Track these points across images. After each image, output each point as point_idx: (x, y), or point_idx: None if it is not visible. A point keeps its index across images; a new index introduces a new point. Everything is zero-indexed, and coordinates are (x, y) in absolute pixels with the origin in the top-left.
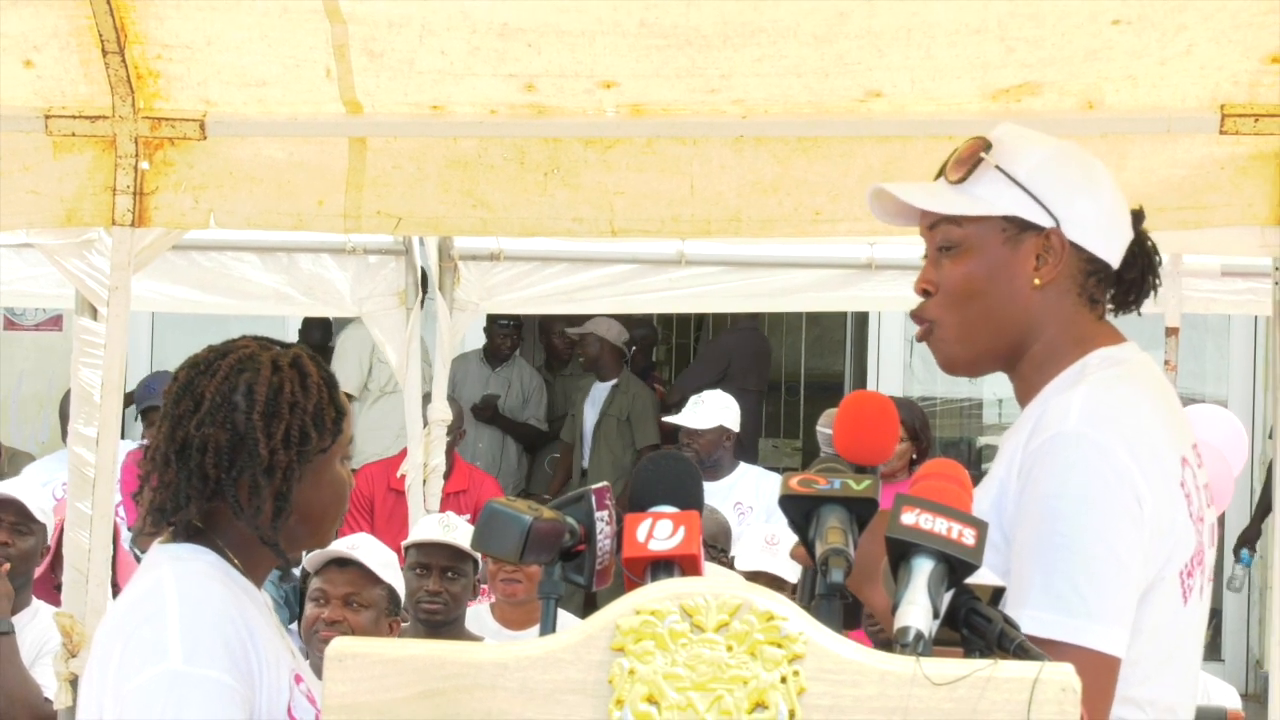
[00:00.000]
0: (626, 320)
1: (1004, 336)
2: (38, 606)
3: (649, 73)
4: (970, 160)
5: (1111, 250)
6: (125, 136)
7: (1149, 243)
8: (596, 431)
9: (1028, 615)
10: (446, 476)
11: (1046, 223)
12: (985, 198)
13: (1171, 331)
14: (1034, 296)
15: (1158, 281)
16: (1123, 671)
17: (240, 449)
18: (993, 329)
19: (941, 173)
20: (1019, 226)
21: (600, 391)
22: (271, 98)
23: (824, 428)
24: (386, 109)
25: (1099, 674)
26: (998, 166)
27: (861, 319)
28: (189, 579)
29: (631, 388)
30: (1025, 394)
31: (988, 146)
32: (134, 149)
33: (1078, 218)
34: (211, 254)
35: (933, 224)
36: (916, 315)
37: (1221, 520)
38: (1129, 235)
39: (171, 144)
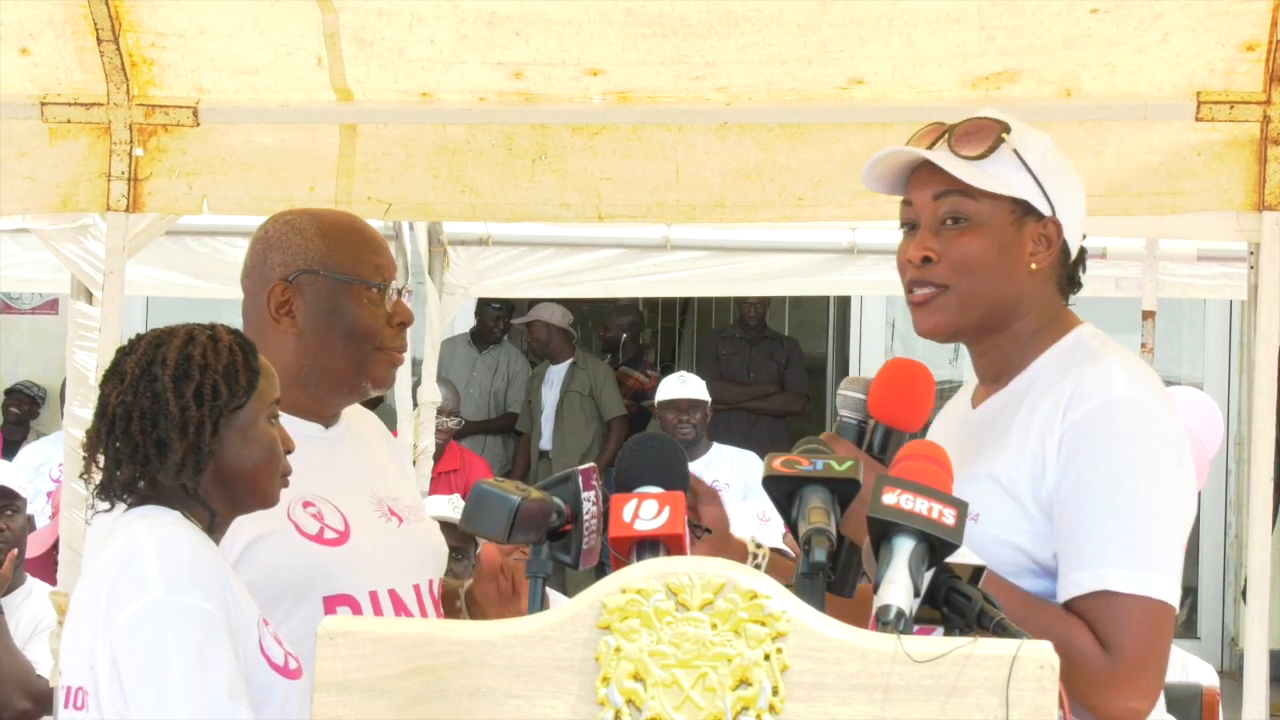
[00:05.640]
0: (613, 308)
1: (997, 312)
2: (32, 585)
3: (635, 61)
4: (992, 139)
5: (1077, 245)
6: (120, 123)
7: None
8: (559, 411)
9: (1112, 574)
10: (437, 457)
11: (1047, 211)
12: (1002, 177)
13: (1148, 315)
14: (1027, 279)
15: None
16: None
17: (159, 412)
18: (990, 303)
19: (942, 142)
20: (1024, 210)
21: (556, 373)
22: (263, 85)
23: (850, 392)
24: (377, 96)
25: (1169, 624)
26: (1015, 150)
27: (844, 303)
28: (162, 526)
29: (589, 364)
30: (1002, 367)
31: (1007, 129)
32: (128, 135)
33: (1068, 212)
34: (204, 239)
35: (940, 193)
36: (921, 279)
37: (1197, 500)
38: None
39: (165, 131)
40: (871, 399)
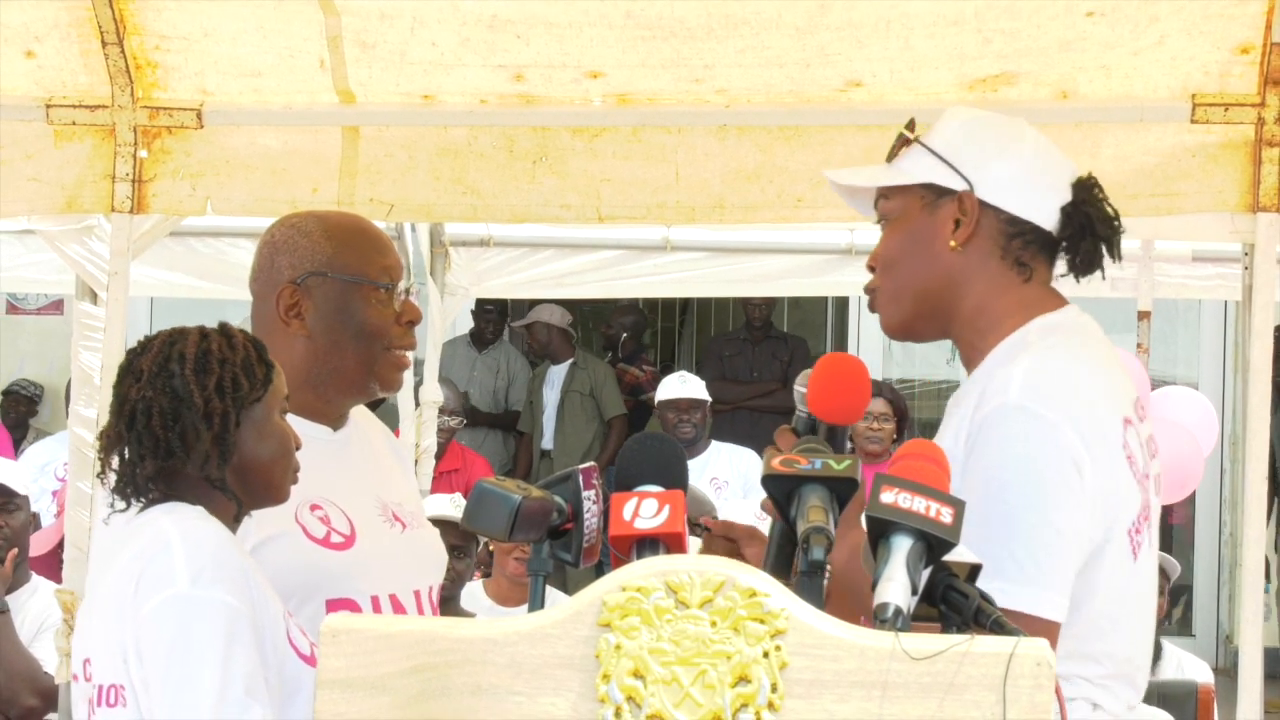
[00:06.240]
0: (615, 307)
1: (927, 299)
2: (37, 583)
3: (635, 63)
4: (900, 140)
5: (1037, 210)
6: (124, 125)
7: (1097, 207)
8: (560, 411)
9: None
10: (439, 457)
11: (960, 186)
12: (908, 170)
13: (1144, 315)
14: (953, 259)
15: (1105, 246)
16: (1080, 629)
17: (180, 405)
18: (916, 292)
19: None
20: (935, 193)
21: (557, 374)
22: (267, 88)
23: (800, 386)
24: (379, 99)
25: (1035, 636)
26: (919, 140)
27: (842, 303)
28: (187, 521)
29: (589, 364)
30: (970, 360)
31: (911, 126)
32: (133, 138)
33: (992, 179)
34: (208, 240)
35: (875, 202)
36: (866, 287)
37: (1192, 499)
38: (1062, 197)
39: (169, 133)
40: (809, 397)
